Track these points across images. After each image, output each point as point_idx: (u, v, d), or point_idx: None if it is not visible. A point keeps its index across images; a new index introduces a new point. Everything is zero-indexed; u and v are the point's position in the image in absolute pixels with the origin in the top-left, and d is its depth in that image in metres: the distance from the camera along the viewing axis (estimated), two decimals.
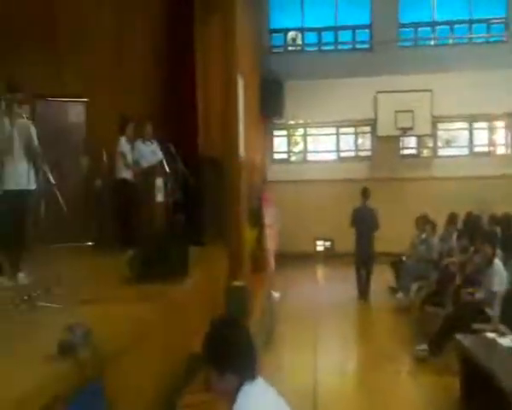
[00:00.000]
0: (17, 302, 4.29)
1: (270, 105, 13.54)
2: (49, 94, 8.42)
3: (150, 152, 7.95)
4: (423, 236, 9.42)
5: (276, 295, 9.00)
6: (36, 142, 5.35)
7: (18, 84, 5.44)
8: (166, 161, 7.69)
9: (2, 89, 5.26)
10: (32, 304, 4.29)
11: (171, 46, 8.73)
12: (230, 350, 2.39)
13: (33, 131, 5.40)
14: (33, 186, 5.19)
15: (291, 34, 14.93)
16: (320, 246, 14.27)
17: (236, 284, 6.03)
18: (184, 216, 7.55)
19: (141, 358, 3.76)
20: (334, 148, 14.96)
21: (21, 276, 5.30)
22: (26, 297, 4.35)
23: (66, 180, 5.71)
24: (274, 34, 14.81)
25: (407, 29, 14.47)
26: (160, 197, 7.74)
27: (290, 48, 15.01)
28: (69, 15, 8.66)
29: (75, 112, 8.85)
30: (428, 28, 14.49)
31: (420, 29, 14.49)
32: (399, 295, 8.98)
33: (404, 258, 9.51)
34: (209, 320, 2.54)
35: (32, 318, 4.06)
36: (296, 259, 12.85)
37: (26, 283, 5.16)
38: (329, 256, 13.65)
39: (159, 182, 7.77)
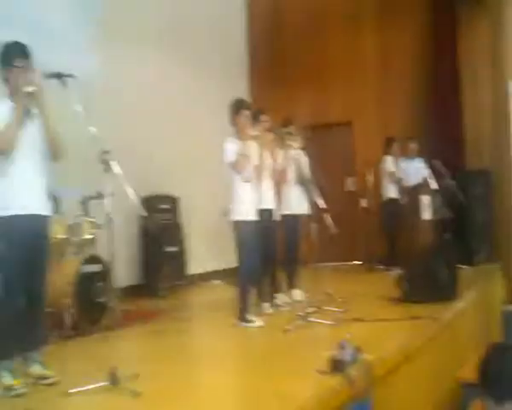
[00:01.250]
0: (293, 318, 4.70)
1: None
2: (317, 122, 9.04)
3: (415, 170, 7.88)
4: None
5: None
6: (307, 170, 5.82)
7: (290, 118, 6.01)
8: (433, 177, 7.53)
9: (278, 124, 5.87)
10: (306, 320, 4.65)
11: (432, 63, 8.54)
12: (510, 378, 2.26)
13: (304, 160, 5.89)
14: (305, 211, 5.64)
15: None
16: None
17: None
18: (453, 234, 7.25)
19: (409, 380, 3.75)
20: None
21: (296, 293, 5.79)
22: (300, 313, 4.74)
23: (333, 202, 6.03)
24: None
25: None
26: (426, 215, 7.60)
27: None
28: (335, 47, 9.20)
29: (341, 136, 9.30)
30: None
31: None
32: None
33: None
34: (482, 347, 2.44)
35: (305, 333, 4.39)
36: None
37: (300, 299, 5.62)
38: None
39: (425, 199, 7.65)
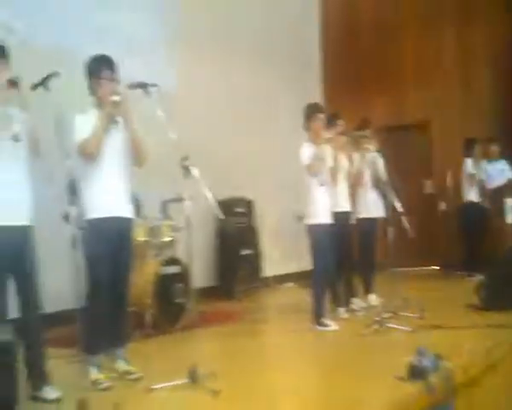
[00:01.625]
0: (368, 323, 4.65)
1: None
2: (394, 124, 8.86)
3: (498, 172, 7.60)
4: None
5: None
6: (383, 172, 5.74)
7: (366, 122, 5.95)
8: None
9: (353, 127, 5.84)
10: (382, 325, 4.58)
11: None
12: None
13: (380, 162, 5.82)
14: (382, 214, 5.56)
15: None
16: None
17: None
18: None
19: (492, 390, 3.60)
20: None
21: (372, 298, 5.71)
22: (376, 318, 4.68)
23: (411, 205, 5.92)
24: None
25: None
26: (510, 219, 7.31)
27: None
28: (410, 48, 9.00)
29: (419, 137, 9.07)
30: None
31: None
32: None
33: None
34: None
35: (381, 338, 4.34)
36: None
37: (376, 304, 5.54)
38: None
39: (509, 202, 7.37)
